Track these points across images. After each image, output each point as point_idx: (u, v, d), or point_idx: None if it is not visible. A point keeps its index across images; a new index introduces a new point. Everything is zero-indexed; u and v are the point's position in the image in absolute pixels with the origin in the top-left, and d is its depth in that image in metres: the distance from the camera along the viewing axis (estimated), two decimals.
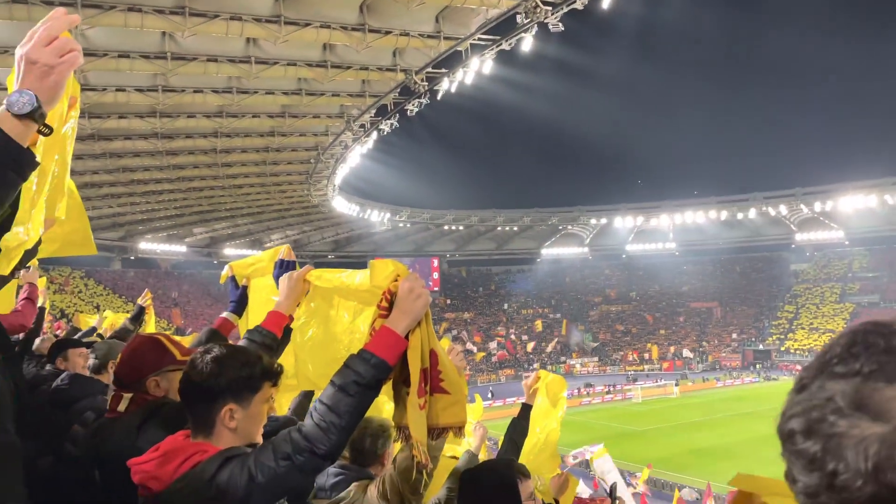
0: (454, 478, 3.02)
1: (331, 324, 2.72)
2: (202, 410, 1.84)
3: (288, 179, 40.57)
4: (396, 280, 2.12)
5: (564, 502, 4.48)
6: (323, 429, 1.71)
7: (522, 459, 3.87)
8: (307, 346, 2.73)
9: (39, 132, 1.52)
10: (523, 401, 4.47)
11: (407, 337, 1.96)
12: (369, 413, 3.10)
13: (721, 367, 65.40)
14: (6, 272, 1.93)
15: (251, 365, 1.89)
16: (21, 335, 4.74)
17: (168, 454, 1.75)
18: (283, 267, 2.86)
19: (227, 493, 1.63)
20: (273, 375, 1.93)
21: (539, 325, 72.74)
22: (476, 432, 4.00)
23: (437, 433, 2.16)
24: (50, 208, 2.35)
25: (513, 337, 70.13)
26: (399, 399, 2.11)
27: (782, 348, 66.58)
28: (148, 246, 58.18)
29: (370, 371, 1.81)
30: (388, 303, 2.10)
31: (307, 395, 3.31)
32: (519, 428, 4.02)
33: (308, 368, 2.75)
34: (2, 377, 1.64)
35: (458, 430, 2.22)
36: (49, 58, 1.48)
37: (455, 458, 3.74)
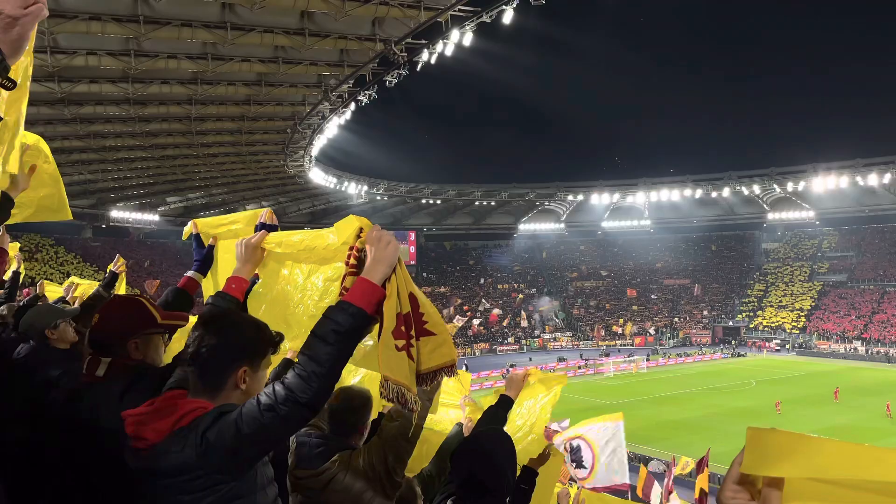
0: (443, 452, 3.03)
1: (282, 283, 2.68)
2: (216, 372, 1.87)
3: (264, 149, 39.95)
4: (361, 235, 2.10)
5: (545, 472, 4.40)
6: (304, 378, 1.73)
7: None
8: (260, 308, 2.68)
9: (2, 86, 1.47)
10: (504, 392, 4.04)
11: (384, 286, 1.97)
12: (353, 385, 3.10)
13: (692, 343, 66.65)
14: None
15: (262, 329, 1.96)
16: None
17: (166, 408, 1.78)
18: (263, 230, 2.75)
19: (217, 446, 1.68)
20: (277, 343, 1.99)
21: (514, 299, 73.04)
22: (465, 408, 3.96)
23: (430, 376, 2.16)
24: (3, 163, 2.26)
25: (496, 311, 70.19)
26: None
27: (751, 325, 67.96)
28: (120, 214, 57.14)
29: (348, 320, 1.83)
30: (357, 259, 2.09)
31: (287, 365, 3.25)
32: (497, 417, 3.77)
33: None
34: None
35: (450, 369, 2.21)
36: (13, 9, 1.41)
37: (442, 433, 3.70)
